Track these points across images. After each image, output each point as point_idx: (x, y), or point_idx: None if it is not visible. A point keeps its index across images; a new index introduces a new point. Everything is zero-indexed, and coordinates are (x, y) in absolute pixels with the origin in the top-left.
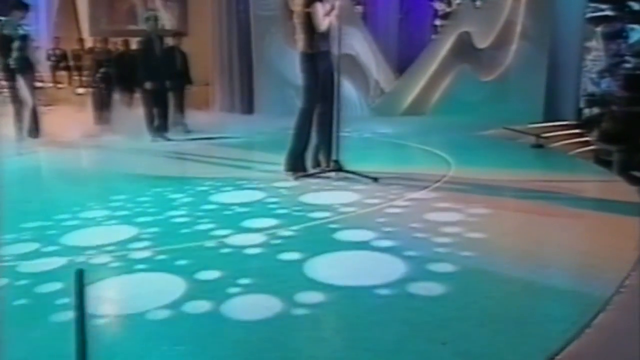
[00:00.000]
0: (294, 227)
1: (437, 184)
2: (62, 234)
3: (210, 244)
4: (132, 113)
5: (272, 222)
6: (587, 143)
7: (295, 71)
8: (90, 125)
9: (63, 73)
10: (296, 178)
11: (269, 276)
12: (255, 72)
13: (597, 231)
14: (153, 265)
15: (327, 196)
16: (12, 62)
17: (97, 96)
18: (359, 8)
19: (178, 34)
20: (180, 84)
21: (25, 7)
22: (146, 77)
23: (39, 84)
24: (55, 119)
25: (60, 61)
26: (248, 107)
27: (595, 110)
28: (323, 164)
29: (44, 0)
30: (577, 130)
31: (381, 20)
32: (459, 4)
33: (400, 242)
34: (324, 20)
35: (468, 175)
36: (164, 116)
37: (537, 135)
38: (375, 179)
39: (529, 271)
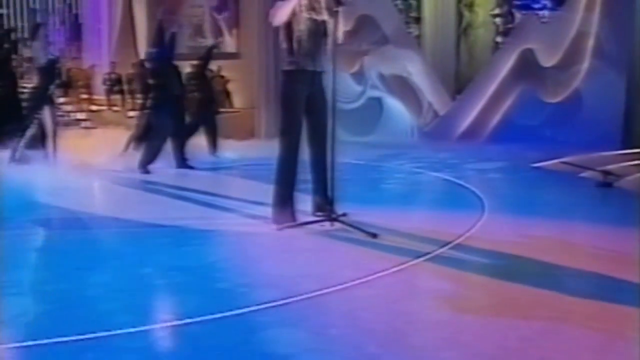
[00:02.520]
0: (210, 317)
1: (451, 246)
2: None
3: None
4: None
5: (193, 303)
6: None
7: (339, 93)
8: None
9: (117, 96)
10: (280, 229)
11: None
12: None
13: None
14: None
15: (292, 262)
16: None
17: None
18: (414, 28)
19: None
20: (208, 111)
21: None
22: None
23: (94, 107)
24: (89, 141)
25: (114, 85)
26: None
27: None
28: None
29: (105, 26)
30: None
31: (438, 39)
32: (522, 19)
33: None
34: (282, 10)
35: (502, 229)
36: (180, 144)
37: (605, 172)
38: (374, 235)
39: None
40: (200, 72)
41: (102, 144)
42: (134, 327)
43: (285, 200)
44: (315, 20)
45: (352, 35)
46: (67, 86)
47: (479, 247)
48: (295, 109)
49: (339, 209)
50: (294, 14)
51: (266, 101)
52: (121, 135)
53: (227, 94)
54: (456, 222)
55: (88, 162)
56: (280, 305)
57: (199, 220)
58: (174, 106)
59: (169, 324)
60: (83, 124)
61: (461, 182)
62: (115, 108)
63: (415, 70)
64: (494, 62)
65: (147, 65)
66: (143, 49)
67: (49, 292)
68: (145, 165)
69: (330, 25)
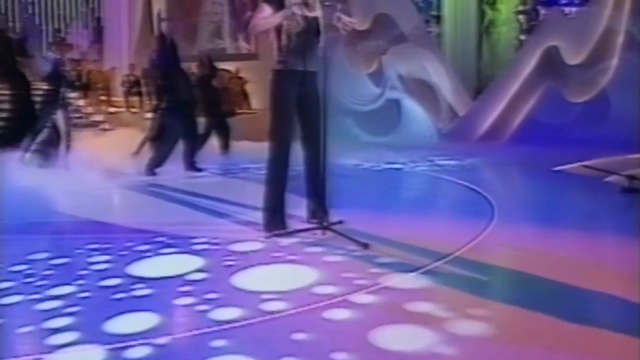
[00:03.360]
0: (155, 341)
1: (447, 260)
2: None
3: None
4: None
5: (144, 322)
6: None
7: (354, 97)
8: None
9: (135, 98)
10: (268, 237)
11: None
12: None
13: None
14: None
15: (268, 275)
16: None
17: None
18: (433, 27)
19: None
20: (217, 113)
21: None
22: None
23: (112, 108)
24: (104, 143)
25: (132, 87)
26: None
27: None
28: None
29: (125, 29)
30: None
31: (458, 38)
32: (546, 15)
33: None
34: (265, 24)
35: (508, 240)
36: (190, 148)
37: (631, 177)
38: (366, 245)
39: None
40: (204, 76)
41: (116, 146)
42: (66, 350)
43: (275, 207)
44: (306, 17)
45: (369, 34)
46: (86, 88)
47: (479, 260)
48: (285, 111)
49: (337, 215)
50: (284, 6)
51: None
52: (137, 137)
53: (245, 95)
54: (460, 232)
55: (97, 164)
56: (239, 327)
57: (187, 226)
58: (182, 110)
59: (108, 347)
60: (101, 125)
61: (474, 186)
62: (133, 109)
63: (434, 69)
64: (517, 60)
65: (152, 69)
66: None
67: None
68: (152, 168)
69: (322, 22)
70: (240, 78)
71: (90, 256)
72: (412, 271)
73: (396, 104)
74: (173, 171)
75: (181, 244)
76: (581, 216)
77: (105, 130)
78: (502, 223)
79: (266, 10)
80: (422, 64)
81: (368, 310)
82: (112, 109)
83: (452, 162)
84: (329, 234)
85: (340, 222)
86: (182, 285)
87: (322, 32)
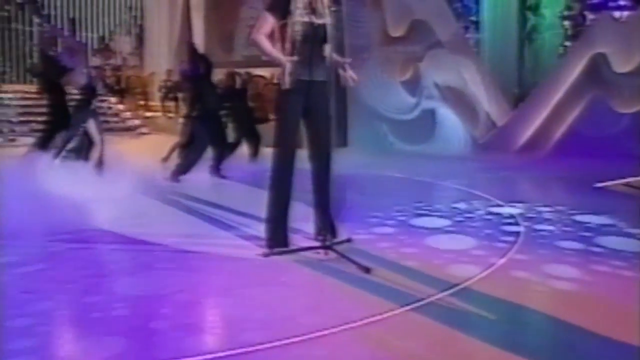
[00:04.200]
0: None
1: (454, 290)
2: None
3: None
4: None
5: (109, 347)
6: None
7: (388, 105)
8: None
9: (172, 103)
10: (266, 256)
11: None
12: (349, 104)
13: None
14: None
15: (253, 300)
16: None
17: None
18: (472, 33)
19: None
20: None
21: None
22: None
23: (148, 113)
24: (137, 148)
25: (169, 92)
26: (342, 139)
27: None
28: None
29: (165, 35)
30: None
31: (498, 44)
32: (594, 20)
33: None
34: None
35: (529, 268)
36: (218, 156)
37: None
38: (367, 270)
39: None
40: (231, 85)
41: (148, 151)
42: None
43: (277, 221)
44: (312, 24)
45: (404, 41)
46: (125, 93)
47: (490, 293)
48: (289, 122)
49: (354, 230)
50: (289, 15)
51: None
52: (170, 142)
53: None
54: (477, 256)
55: (125, 170)
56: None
57: (188, 238)
58: (211, 120)
59: None
60: (138, 129)
61: (504, 203)
62: (169, 114)
63: (471, 77)
64: (561, 67)
65: (182, 80)
66: (199, 40)
67: None
68: (177, 174)
69: (330, 29)
70: (276, 84)
71: (79, 266)
72: (410, 304)
73: (432, 112)
74: (197, 178)
75: (175, 257)
76: (616, 242)
77: (143, 134)
78: (527, 248)
79: (268, 20)
80: (459, 71)
81: (345, 347)
82: (149, 114)
83: (487, 175)
84: (332, 254)
85: (348, 241)
86: (162, 306)
87: (330, 40)
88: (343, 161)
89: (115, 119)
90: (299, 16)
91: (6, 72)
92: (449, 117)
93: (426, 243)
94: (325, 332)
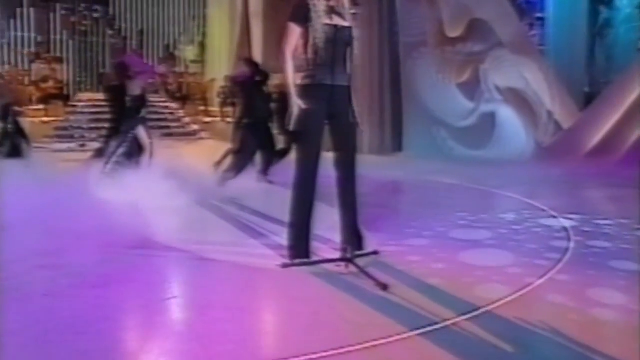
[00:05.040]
0: None
1: (478, 313)
2: None
3: None
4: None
5: None
6: None
7: (444, 106)
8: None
9: (230, 109)
10: (285, 267)
11: None
12: (405, 106)
13: None
14: None
15: (249, 315)
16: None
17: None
18: (536, 31)
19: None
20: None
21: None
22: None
23: (207, 118)
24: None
25: (228, 98)
26: (397, 144)
27: None
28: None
29: (225, 43)
30: None
31: (565, 42)
32: None
33: None
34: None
35: (571, 292)
36: (266, 162)
37: None
38: (385, 287)
39: None
40: (285, 91)
41: (204, 155)
42: None
43: (299, 232)
44: (335, 27)
45: (461, 41)
46: (186, 99)
47: (516, 319)
48: (311, 130)
49: (378, 243)
50: (310, 20)
51: (369, 114)
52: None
53: None
54: (511, 275)
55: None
56: None
57: (213, 246)
58: (261, 127)
59: None
60: (198, 134)
61: (556, 213)
62: (228, 119)
63: (534, 77)
64: (636, 66)
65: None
66: (257, 54)
67: None
68: (225, 179)
69: (356, 33)
70: None
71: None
72: (423, 328)
73: (492, 115)
74: (243, 183)
75: (194, 265)
76: None
77: (202, 139)
78: (572, 267)
79: (294, 30)
80: (521, 72)
81: None
82: (208, 119)
83: (547, 182)
84: (352, 267)
85: (375, 253)
86: (154, 312)
87: (354, 43)
88: (394, 166)
89: (176, 124)
90: (321, 19)
91: (82, 81)
92: (510, 120)
93: (459, 258)
94: (314, 356)
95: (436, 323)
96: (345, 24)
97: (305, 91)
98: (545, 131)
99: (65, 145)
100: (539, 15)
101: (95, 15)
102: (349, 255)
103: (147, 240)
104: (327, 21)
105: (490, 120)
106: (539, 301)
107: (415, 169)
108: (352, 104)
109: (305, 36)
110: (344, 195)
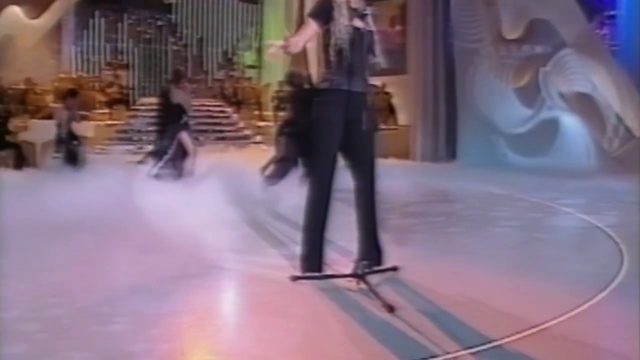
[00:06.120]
0: None
1: (489, 346)
2: None
3: None
4: None
5: None
6: None
7: (502, 112)
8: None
9: (282, 114)
10: (294, 279)
11: None
12: (459, 113)
13: None
14: None
15: (234, 332)
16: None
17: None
18: (605, 30)
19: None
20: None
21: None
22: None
23: (260, 123)
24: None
25: (281, 102)
26: (451, 151)
27: None
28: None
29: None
30: None
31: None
32: None
33: None
34: (298, 40)
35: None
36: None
37: None
38: (391, 309)
39: None
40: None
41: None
42: None
43: (312, 247)
44: (358, 30)
45: (520, 43)
46: (240, 103)
47: (530, 356)
48: (327, 137)
49: (404, 258)
50: (332, 20)
51: (424, 119)
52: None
53: (392, 110)
54: (542, 305)
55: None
56: None
57: (231, 254)
58: (302, 132)
59: None
60: (252, 138)
61: (613, 233)
62: None
63: (601, 80)
64: None
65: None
66: (313, 69)
67: None
68: (267, 184)
69: (378, 37)
70: (387, 93)
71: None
72: None
73: (553, 121)
74: (283, 189)
75: (202, 274)
76: None
77: (256, 143)
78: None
79: (311, 25)
80: (588, 74)
81: None
82: (262, 123)
83: (612, 196)
84: (361, 285)
85: (393, 269)
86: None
87: (377, 47)
88: (444, 174)
89: (230, 128)
90: (345, 20)
91: (146, 86)
92: (573, 126)
93: (490, 280)
94: None
95: (436, 356)
96: (368, 28)
97: (321, 96)
98: (613, 139)
99: (125, 148)
100: (610, 13)
101: (160, 23)
102: (359, 271)
103: (163, 244)
104: (350, 23)
105: (551, 126)
106: (563, 336)
107: (466, 177)
108: (370, 110)
109: (326, 37)
110: (362, 206)
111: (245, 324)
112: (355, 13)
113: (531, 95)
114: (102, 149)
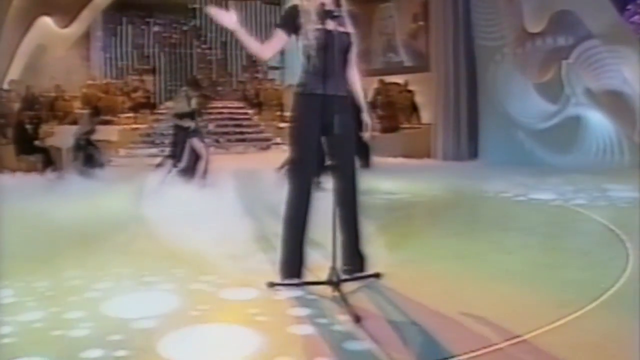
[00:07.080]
0: None
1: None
2: None
3: None
4: None
5: None
6: None
7: (524, 109)
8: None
9: None
10: (270, 286)
11: None
12: (481, 110)
13: None
14: None
15: (212, 339)
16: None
17: None
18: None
19: None
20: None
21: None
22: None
23: (282, 124)
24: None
25: None
26: (472, 150)
27: None
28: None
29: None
30: None
31: None
32: None
33: None
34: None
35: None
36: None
37: None
38: (358, 319)
39: None
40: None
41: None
42: None
43: (291, 253)
44: (327, 31)
45: (544, 37)
46: (261, 105)
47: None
48: (304, 139)
49: (392, 264)
50: (299, 25)
51: (444, 118)
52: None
53: (415, 108)
54: (520, 319)
55: (225, 181)
56: None
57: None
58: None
59: None
60: (273, 140)
61: (622, 233)
62: None
63: (632, 71)
64: None
65: None
66: None
67: None
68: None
69: (355, 39)
70: (410, 91)
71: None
72: None
73: (579, 117)
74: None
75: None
76: None
77: (277, 144)
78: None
79: (278, 35)
80: (616, 65)
81: None
82: (282, 125)
83: (626, 193)
84: (336, 292)
85: (375, 276)
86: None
87: (353, 49)
88: (463, 173)
89: (250, 130)
90: (312, 24)
91: (172, 90)
92: (601, 121)
93: (473, 291)
94: None
95: None
96: (343, 29)
97: (297, 100)
98: None
99: (148, 151)
100: None
101: (185, 27)
102: (334, 279)
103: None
104: (319, 26)
105: (576, 122)
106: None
107: (483, 175)
108: (345, 114)
109: (298, 42)
110: (341, 210)
111: (209, 331)
112: (327, 15)
113: (555, 90)
114: (127, 153)
